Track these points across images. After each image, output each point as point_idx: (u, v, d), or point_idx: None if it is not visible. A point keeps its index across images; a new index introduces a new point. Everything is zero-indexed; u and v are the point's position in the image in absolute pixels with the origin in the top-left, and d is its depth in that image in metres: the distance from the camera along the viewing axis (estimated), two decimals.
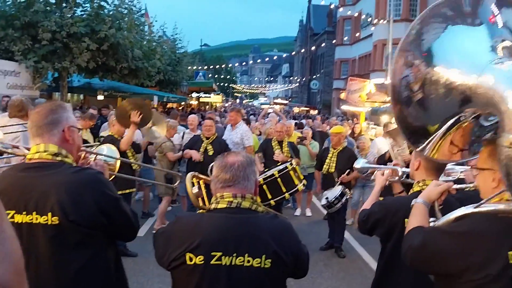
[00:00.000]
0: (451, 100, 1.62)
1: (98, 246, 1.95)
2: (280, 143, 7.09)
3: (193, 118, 8.13)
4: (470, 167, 2.98)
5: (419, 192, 2.48)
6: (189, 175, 2.46)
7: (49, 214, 1.84)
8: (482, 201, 1.73)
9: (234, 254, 1.77)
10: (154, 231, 3.20)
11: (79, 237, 1.88)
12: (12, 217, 1.87)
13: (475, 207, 1.74)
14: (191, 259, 1.78)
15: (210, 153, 6.38)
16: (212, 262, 1.77)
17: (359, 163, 3.40)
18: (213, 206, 1.89)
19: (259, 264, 1.78)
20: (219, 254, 1.77)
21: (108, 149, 2.79)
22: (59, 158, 1.95)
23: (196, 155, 6.44)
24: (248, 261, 1.78)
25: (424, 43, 1.74)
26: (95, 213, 1.89)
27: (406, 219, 2.42)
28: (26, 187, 1.90)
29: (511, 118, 1.39)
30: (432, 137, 1.83)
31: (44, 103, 2.11)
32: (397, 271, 2.54)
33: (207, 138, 6.59)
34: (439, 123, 1.75)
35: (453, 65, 1.62)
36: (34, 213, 1.86)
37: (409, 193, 2.75)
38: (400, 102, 1.86)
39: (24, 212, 1.87)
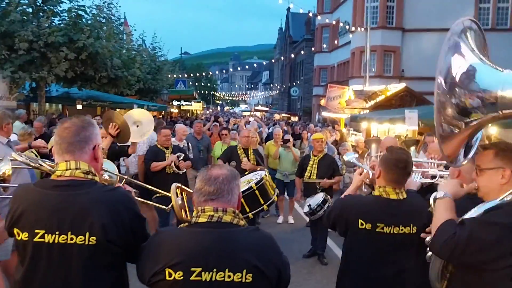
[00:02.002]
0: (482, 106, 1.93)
1: (121, 268, 1.95)
2: (246, 150, 6.90)
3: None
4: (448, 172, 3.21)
5: (379, 196, 2.67)
6: (174, 186, 2.43)
7: (87, 234, 1.79)
8: (504, 195, 1.99)
9: (214, 270, 1.74)
10: None
11: (111, 258, 1.86)
12: (42, 237, 1.80)
13: (499, 200, 2.00)
14: (170, 275, 1.74)
15: (177, 163, 6.25)
16: (192, 278, 1.73)
17: (348, 156, 3.61)
18: (193, 220, 1.85)
19: (240, 279, 1.75)
20: (198, 269, 1.74)
21: (106, 165, 2.70)
22: (90, 177, 1.91)
23: (173, 157, 6.22)
24: (229, 277, 1.75)
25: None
26: (127, 232, 1.87)
27: (359, 219, 2.64)
28: (58, 206, 1.82)
29: None
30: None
31: (73, 118, 2.00)
32: (353, 265, 2.73)
33: (167, 148, 6.38)
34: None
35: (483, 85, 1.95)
36: (69, 233, 1.80)
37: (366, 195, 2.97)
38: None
39: (57, 232, 1.80)
